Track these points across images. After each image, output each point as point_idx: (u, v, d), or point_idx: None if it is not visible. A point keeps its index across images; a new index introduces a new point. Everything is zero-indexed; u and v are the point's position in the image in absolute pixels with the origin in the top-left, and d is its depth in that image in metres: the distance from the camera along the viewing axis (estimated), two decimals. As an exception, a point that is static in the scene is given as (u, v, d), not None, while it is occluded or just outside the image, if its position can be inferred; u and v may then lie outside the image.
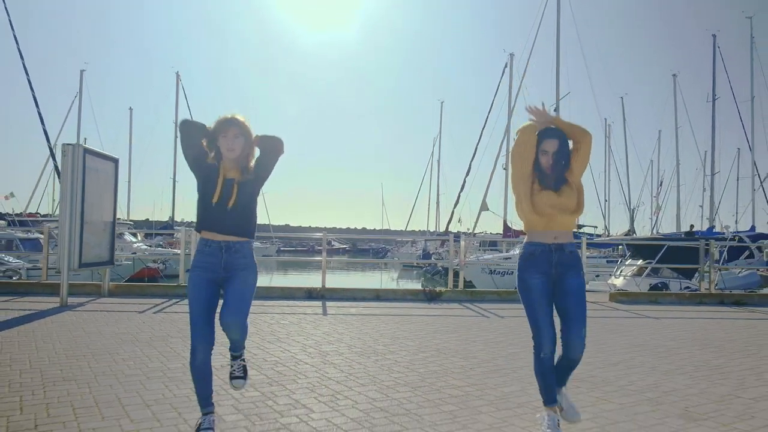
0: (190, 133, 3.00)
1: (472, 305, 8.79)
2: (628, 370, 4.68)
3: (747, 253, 18.69)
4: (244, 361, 3.26)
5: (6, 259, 17.12)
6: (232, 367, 3.23)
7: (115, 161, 8.98)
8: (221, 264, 2.93)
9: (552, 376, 3.07)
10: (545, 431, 3.02)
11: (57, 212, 34.63)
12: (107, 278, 9.08)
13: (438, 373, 4.46)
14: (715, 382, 4.36)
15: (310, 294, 9.20)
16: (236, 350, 3.19)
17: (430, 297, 9.37)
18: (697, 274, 16.60)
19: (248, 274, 2.98)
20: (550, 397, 3.08)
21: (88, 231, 8.07)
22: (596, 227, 37.12)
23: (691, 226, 26.27)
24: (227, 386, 3.90)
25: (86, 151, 7.98)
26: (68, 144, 7.91)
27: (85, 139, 36.57)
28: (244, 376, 3.23)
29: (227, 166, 2.94)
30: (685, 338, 6.33)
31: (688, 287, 15.69)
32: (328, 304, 8.51)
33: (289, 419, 3.27)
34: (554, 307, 3.08)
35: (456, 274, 10.86)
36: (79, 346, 5.09)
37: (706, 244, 11.05)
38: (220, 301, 2.95)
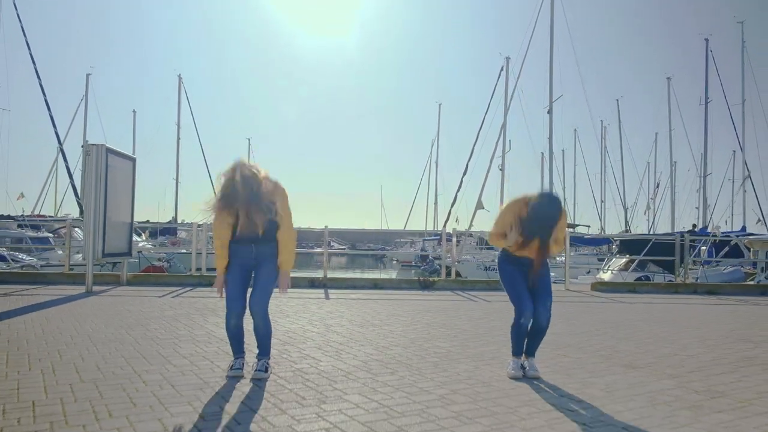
0: None
1: (463, 292, 9.55)
2: (589, 338, 5.43)
3: (727, 249, 19.39)
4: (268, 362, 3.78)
5: (20, 256, 17.87)
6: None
7: (133, 160, 9.74)
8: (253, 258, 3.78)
9: (523, 338, 3.96)
10: (509, 371, 3.88)
11: (60, 213, 35.40)
12: (125, 268, 9.84)
13: (426, 338, 5.22)
14: (660, 346, 5.12)
15: (312, 283, 9.96)
16: (261, 352, 3.77)
17: (424, 285, 10.12)
18: (681, 269, 17.43)
19: (270, 266, 3.79)
20: (518, 350, 3.97)
21: (110, 224, 8.82)
22: (589, 227, 37.92)
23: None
24: (248, 344, 4.68)
25: (108, 150, 8.73)
26: (92, 144, 8.65)
27: (88, 141, 37.31)
28: (263, 370, 3.66)
29: None
30: (648, 317, 7.09)
31: (671, 281, 16.46)
32: (330, 291, 9.26)
33: (302, 365, 4.02)
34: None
35: (449, 271, 11.61)
36: (114, 321, 5.84)
37: (681, 240, 11.81)
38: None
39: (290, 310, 6.84)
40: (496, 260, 4.12)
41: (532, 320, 3.89)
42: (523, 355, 4.00)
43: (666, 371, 4.09)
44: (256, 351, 3.81)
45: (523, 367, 3.93)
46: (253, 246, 3.69)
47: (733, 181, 45.03)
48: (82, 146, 30.94)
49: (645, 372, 4.05)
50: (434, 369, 4.00)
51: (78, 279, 9.61)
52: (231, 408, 3.01)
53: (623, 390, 3.53)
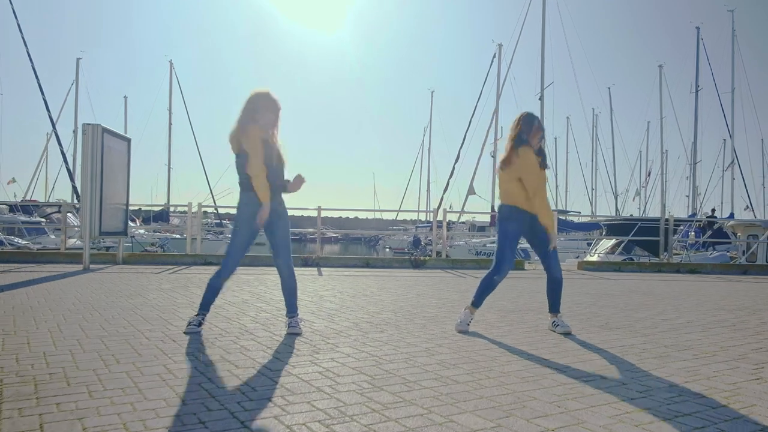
0: None
1: (453, 270, 9.80)
2: (571, 307, 5.68)
3: (709, 233, 19.72)
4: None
5: (15, 240, 17.98)
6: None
7: (128, 140, 9.88)
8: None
9: (488, 292, 4.31)
10: (457, 324, 4.23)
11: (53, 197, 35.32)
12: (121, 247, 10.01)
13: (415, 305, 5.45)
14: (638, 311, 5.38)
15: (305, 261, 10.17)
16: (289, 310, 4.07)
17: (415, 264, 10.36)
18: (665, 253, 17.77)
19: (285, 221, 4.06)
20: (477, 302, 4.32)
21: (106, 204, 8.98)
22: (579, 212, 38.30)
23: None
24: (245, 305, 4.89)
25: (104, 130, 8.87)
26: (88, 124, 8.79)
27: (82, 125, 37.18)
28: (297, 327, 3.95)
29: None
30: (629, 290, 7.36)
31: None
32: (323, 269, 9.48)
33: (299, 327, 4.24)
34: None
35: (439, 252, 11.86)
36: (114, 292, 6.03)
37: (666, 223, 12.10)
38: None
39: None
40: (499, 217, 4.35)
41: (548, 278, 4.25)
42: (550, 314, 4.31)
43: (640, 331, 4.34)
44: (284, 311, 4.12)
45: (554, 324, 4.23)
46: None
47: (723, 168, 45.57)
48: (74, 131, 30.96)
49: (619, 332, 4.30)
50: (421, 329, 4.23)
51: (75, 258, 9.78)
52: (231, 357, 3.23)
53: (597, 345, 3.78)
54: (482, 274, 4.53)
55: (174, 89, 39.37)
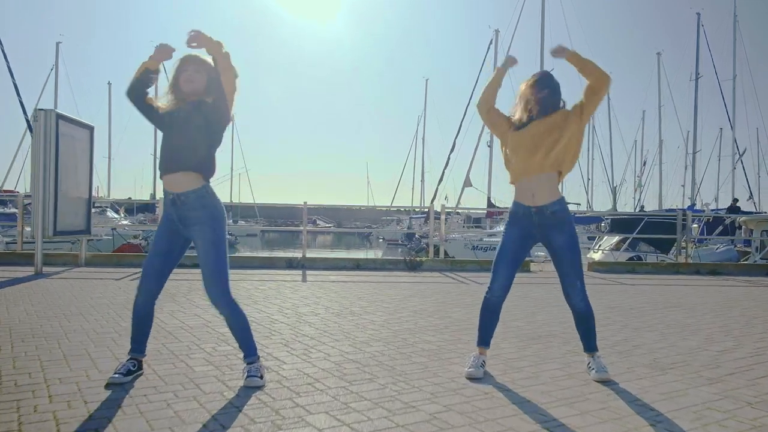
0: (141, 98, 2.94)
1: (452, 273, 8.84)
2: (600, 328, 4.70)
3: (720, 228, 18.95)
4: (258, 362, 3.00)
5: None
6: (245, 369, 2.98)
7: (90, 128, 8.81)
8: (176, 216, 2.91)
9: (490, 320, 3.34)
10: (467, 369, 3.21)
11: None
12: (84, 248, 8.99)
13: (412, 330, 4.48)
14: (684, 338, 4.43)
15: (290, 263, 9.18)
16: (245, 354, 2.99)
17: (410, 266, 9.39)
18: (673, 249, 16.88)
19: (203, 229, 2.86)
20: (482, 338, 3.34)
21: (63, 199, 7.95)
22: (579, 204, 37.44)
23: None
24: (200, 341, 3.90)
25: (59, 116, 7.82)
26: (41, 109, 7.75)
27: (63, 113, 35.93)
28: (258, 376, 2.93)
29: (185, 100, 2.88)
30: (658, 301, 6.42)
31: (663, 260, 15.93)
32: (309, 272, 8.50)
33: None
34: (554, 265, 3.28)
35: (437, 248, 10.89)
36: (52, 308, 5.03)
37: (684, 218, 11.17)
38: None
39: (260, 296, 6.07)
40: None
41: (570, 308, 3.26)
42: (586, 354, 3.33)
43: (701, 373, 3.39)
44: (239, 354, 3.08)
45: (589, 367, 3.26)
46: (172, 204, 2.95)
47: (720, 158, 44.88)
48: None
49: (675, 374, 3.35)
50: (422, 372, 3.27)
51: (32, 259, 8.74)
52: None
53: (659, 404, 2.82)
54: (484, 278, 3.63)
55: (161, 76, 38.00)
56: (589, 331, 3.31)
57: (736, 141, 36.57)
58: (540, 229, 3.21)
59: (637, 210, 35.86)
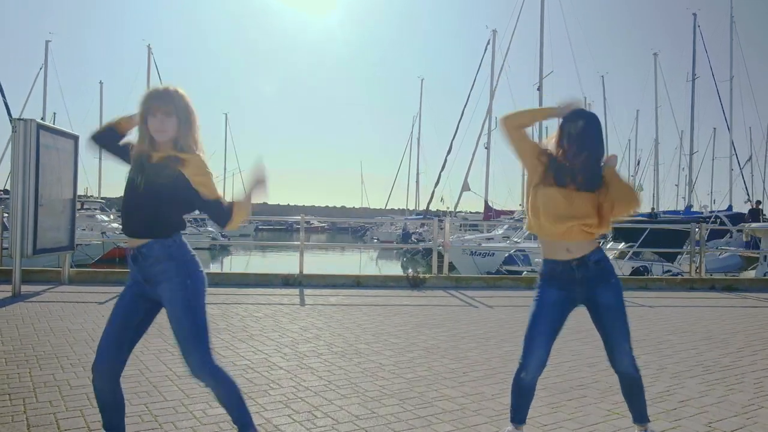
0: (109, 146, 2.48)
1: (458, 292, 8.35)
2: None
3: (728, 235, 18.63)
4: None
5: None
6: None
7: (75, 138, 8.27)
8: (140, 276, 2.41)
9: (526, 398, 2.77)
10: None
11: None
12: (67, 264, 8.45)
13: (428, 379, 4.00)
14: (731, 387, 3.97)
15: (286, 281, 8.67)
16: (239, 427, 2.51)
17: (413, 283, 8.91)
18: (679, 257, 16.48)
19: (172, 287, 2.36)
20: (517, 416, 2.79)
21: (44, 213, 7.40)
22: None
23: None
24: (189, 398, 3.40)
25: (40, 126, 7.28)
26: (19, 119, 7.21)
27: (54, 113, 35.29)
28: None
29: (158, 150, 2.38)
30: (686, 330, 5.97)
31: (669, 270, 15.54)
32: (306, 291, 8.00)
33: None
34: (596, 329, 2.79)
35: (440, 257, 10.35)
36: (25, 347, 4.53)
37: (697, 228, 10.75)
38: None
39: (256, 326, 5.56)
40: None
41: (617, 374, 2.79)
42: (636, 426, 2.86)
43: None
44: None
45: None
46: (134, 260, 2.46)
47: (714, 159, 44.67)
48: (42, 119, 29.02)
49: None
50: (448, 449, 2.79)
51: (9, 276, 8.22)
52: None
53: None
54: (493, 298, 3.20)
55: (153, 75, 37.44)
56: (640, 400, 2.85)
57: (733, 143, 36.35)
58: (583, 287, 2.70)
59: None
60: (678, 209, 35.69)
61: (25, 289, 7.30)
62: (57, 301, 6.75)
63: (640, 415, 2.85)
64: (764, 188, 39.84)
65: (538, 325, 2.68)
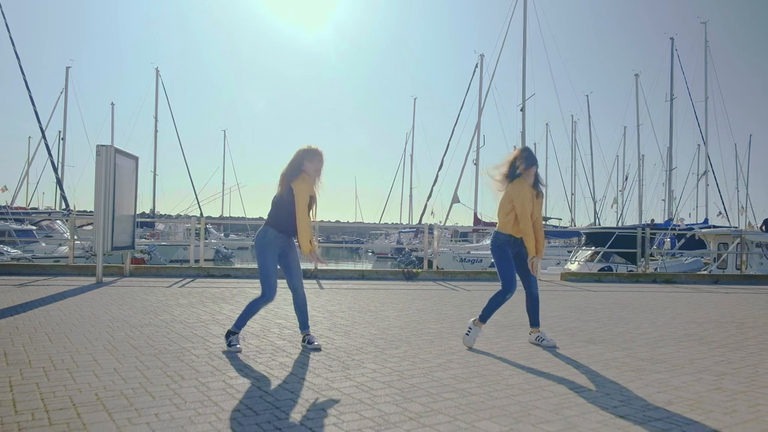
0: None
1: (444, 282, 10.42)
2: (558, 321, 6.32)
3: (683, 241, 20.62)
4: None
5: (5, 249, 18.17)
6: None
7: (135, 159, 10.35)
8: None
9: (495, 310, 4.87)
10: (464, 335, 4.85)
11: (42, 205, 35.26)
12: (128, 260, 10.46)
13: (418, 321, 6.04)
14: (618, 325, 6.03)
15: (304, 274, 10.70)
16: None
17: (408, 276, 10.96)
18: (643, 260, 18.59)
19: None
20: (485, 317, 4.89)
21: (116, 220, 9.44)
22: (560, 219, 39.30)
23: (652, 220, 27.64)
24: (266, 321, 5.43)
25: (117, 151, 9.33)
26: (102, 145, 9.24)
27: (59, 131, 37.10)
28: (315, 342, 4.61)
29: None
30: (610, 303, 8.04)
31: (632, 271, 17.64)
32: (323, 281, 10.04)
33: (319, 342, 4.80)
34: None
35: (430, 263, 12.50)
36: (139, 308, 6.53)
37: (643, 233, 12.86)
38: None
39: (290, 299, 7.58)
40: (493, 245, 4.97)
41: (527, 295, 4.89)
42: (531, 328, 4.96)
43: (620, 345, 4.98)
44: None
45: (539, 339, 4.89)
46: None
47: (698, 176, 46.98)
48: (61, 138, 31.11)
49: (602, 346, 4.94)
50: (430, 345, 4.82)
51: (83, 271, 10.24)
52: (276, 373, 3.78)
53: (584, 359, 4.40)
54: (472, 286, 5.09)
55: (160, 96, 39.58)
56: (536, 311, 4.98)
57: (709, 158, 38.70)
58: (518, 251, 4.89)
59: (620, 224, 37.76)
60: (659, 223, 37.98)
61: (104, 279, 9.29)
62: (132, 286, 8.75)
63: (535, 321, 4.93)
64: (738, 200, 42.06)
65: (510, 266, 4.85)
